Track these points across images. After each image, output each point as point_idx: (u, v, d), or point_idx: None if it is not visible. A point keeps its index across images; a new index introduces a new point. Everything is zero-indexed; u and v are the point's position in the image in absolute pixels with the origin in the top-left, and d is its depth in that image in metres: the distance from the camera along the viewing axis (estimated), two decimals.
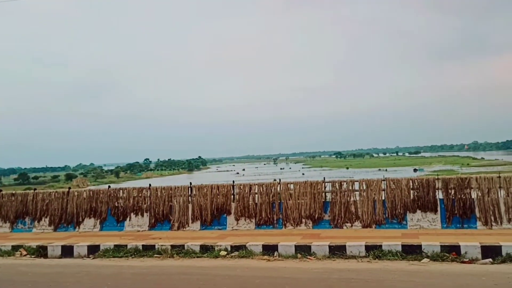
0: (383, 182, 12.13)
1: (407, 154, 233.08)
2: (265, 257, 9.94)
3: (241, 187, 13.12)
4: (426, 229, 11.28)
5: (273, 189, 12.83)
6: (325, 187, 12.58)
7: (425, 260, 8.96)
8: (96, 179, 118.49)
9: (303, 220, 12.33)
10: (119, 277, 9.21)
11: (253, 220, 12.72)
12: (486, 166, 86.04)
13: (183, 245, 10.79)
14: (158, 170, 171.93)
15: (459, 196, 11.44)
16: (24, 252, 11.50)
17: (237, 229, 12.69)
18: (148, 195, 13.68)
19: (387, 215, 11.82)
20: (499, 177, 11.47)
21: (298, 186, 12.64)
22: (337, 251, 9.71)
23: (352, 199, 12.22)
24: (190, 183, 13.73)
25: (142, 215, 13.52)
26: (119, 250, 11.01)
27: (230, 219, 12.92)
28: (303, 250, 9.93)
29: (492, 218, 11.07)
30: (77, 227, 13.90)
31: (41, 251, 11.49)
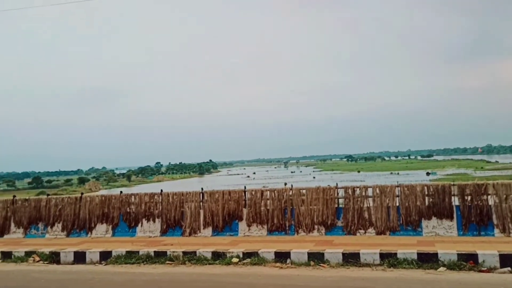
0: (397, 188, 11.94)
1: (419, 157, 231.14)
2: (278, 264, 9.83)
3: (253, 192, 13.03)
4: (442, 237, 11.05)
5: (285, 194, 12.71)
6: (337, 193, 12.43)
7: (442, 268, 8.76)
8: (108, 183, 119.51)
9: (316, 227, 12.19)
10: (131, 284, 9.18)
11: (265, 226, 12.61)
12: (501, 170, 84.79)
13: (195, 252, 10.72)
14: (169, 173, 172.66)
15: (475, 203, 11.19)
16: (37, 258, 11.55)
17: (249, 235, 12.60)
18: (160, 200, 13.65)
19: (401, 222, 11.61)
20: None
21: (310, 192, 12.50)
22: (351, 258, 9.56)
23: (365, 205, 12.04)
24: (202, 189, 13.68)
25: (154, 221, 13.50)
26: (131, 257, 10.98)
27: (242, 225, 12.83)
28: (316, 258, 9.80)
29: (510, 225, 10.80)
30: (90, 233, 13.92)
31: (53, 257, 11.53)
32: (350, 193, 12.25)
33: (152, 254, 10.98)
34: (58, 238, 14.01)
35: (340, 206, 12.36)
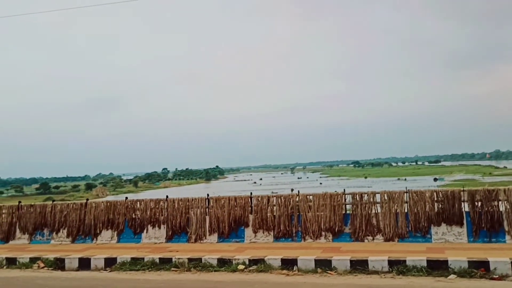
0: (405, 194, 11.75)
1: (426, 163, 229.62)
2: (284, 271, 9.68)
3: (259, 198, 12.90)
4: (452, 243, 10.84)
5: (291, 201, 12.56)
6: (345, 199, 12.26)
7: (452, 276, 8.56)
8: (115, 189, 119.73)
9: (323, 233, 12.01)
10: None
11: (272, 233, 12.46)
12: (510, 176, 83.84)
13: (200, 259, 10.59)
14: (176, 179, 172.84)
15: (486, 209, 10.97)
16: (42, 265, 11.47)
17: (255, 241, 12.45)
18: (165, 206, 13.56)
19: (410, 228, 11.42)
20: None
21: (317, 198, 12.34)
22: (358, 265, 9.38)
23: (373, 211, 11.85)
24: (208, 195, 13.57)
25: (159, 227, 13.40)
26: (136, 263, 10.87)
27: (248, 232, 12.69)
28: (324, 265, 9.63)
29: None
30: (95, 239, 13.85)
31: (58, 263, 11.45)
32: (357, 199, 12.08)
33: (157, 260, 10.87)
34: (63, 244, 13.95)
35: (348, 212, 12.19)
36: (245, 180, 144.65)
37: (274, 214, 12.56)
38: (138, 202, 13.98)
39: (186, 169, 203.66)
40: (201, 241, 12.87)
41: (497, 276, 8.39)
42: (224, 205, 12.99)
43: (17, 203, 15.26)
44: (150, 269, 10.59)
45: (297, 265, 9.83)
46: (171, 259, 10.83)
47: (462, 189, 11.46)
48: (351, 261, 9.52)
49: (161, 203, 13.65)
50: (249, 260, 10.26)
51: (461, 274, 8.57)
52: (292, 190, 12.97)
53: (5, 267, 11.85)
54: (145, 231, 13.50)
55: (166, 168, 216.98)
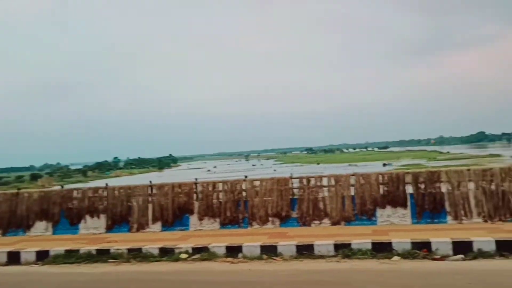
0: (352, 177, 11.70)
1: (376, 149, 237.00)
2: (229, 259, 9.32)
3: (204, 185, 12.43)
4: (396, 225, 10.91)
5: (238, 186, 12.19)
6: (292, 184, 12.04)
7: (396, 258, 8.55)
8: (62, 179, 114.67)
9: (270, 219, 11.75)
10: (68, 285, 8.50)
11: (218, 220, 12.05)
12: (452, 160, 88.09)
13: (141, 248, 10.03)
14: (127, 168, 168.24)
15: (429, 190, 11.11)
16: None
17: (201, 229, 12.00)
18: (105, 195, 12.78)
19: (356, 211, 11.38)
20: (469, 170, 11.24)
21: (264, 183, 12.05)
22: (305, 250, 9.20)
23: (320, 195, 11.72)
24: (150, 182, 12.94)
25: (99, 217, 12.62)
26: (70, 256, 10.14)
27: (193, 219, 12.20)
28: (269, 251, 9.36)
29: (462, 212, 10.79)
30: (28, 231, 12.87)
31: None
32: (305, 183, 11.90)
33: (94, 252, 10.18)
34: None
35: (295, 197, 11.99)
36: (199, 168, 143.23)
37: (220, 200, 12.15)
38: (75, 191, 13.12)
39: (138, 158, 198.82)
40: (144, 230, 12.25)
41: (438, 257, 8.45)
42: (167, 192, 12.41)
43: None
44: (86, 262, 9.90)
45: (242, 252, 9.51)
46: (109, 250, 10.18)
47: (406, 171, 11.55)
48: (297, 246, 9.32)
49: (100, 191, 12.85)
50: (193, 248, 9.83)
51: (405, 255, 8.57)
52: (246, 177, 12.68)
53: None
54: (82, 221, 12.66)
55: (117, 157, 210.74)
